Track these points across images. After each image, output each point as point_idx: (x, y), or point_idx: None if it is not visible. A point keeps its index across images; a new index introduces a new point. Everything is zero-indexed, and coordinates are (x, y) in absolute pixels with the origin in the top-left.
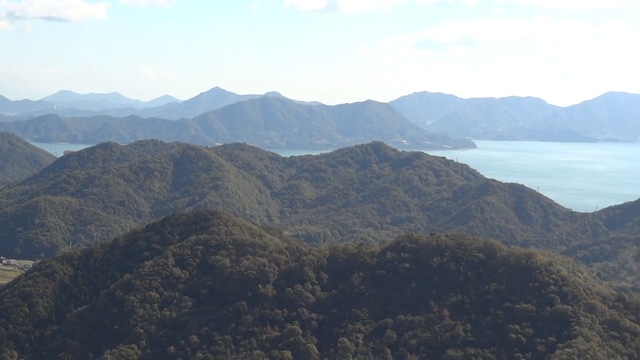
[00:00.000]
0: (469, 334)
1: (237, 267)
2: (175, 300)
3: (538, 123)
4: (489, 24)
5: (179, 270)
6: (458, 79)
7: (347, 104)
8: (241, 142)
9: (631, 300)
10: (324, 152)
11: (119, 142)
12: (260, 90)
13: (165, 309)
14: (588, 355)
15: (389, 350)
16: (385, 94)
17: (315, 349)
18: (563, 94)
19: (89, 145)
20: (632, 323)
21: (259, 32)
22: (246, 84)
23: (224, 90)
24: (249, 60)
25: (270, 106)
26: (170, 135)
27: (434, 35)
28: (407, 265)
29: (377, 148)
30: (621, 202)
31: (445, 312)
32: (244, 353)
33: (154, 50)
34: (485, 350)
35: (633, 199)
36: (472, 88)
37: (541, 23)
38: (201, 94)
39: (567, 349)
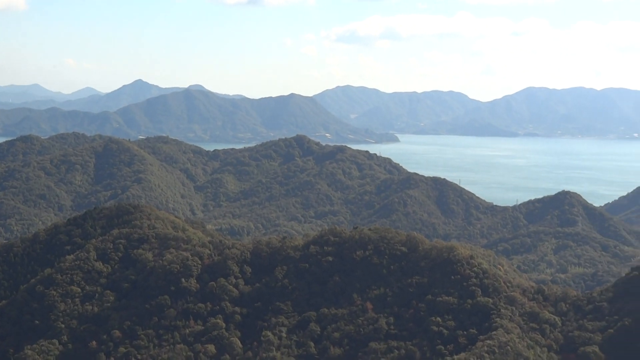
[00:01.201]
0: (392, 327)
1: (160, 261)
2: (97, 295)
3: (460, 117)
4: (412, 19)
5: (101, 264)
6: (381, 74)
7: (271, 97)
8: (164, 135)
9: (550, 293)
10: (247, 145)
11: (39, 135)
12: (184, 83)
13: (87, 303)
14: (508, 347)
15: (312, 344)
16: (309, 88)
17: (239, 342)
18: (484, 88)
19: (9, 138)
20: (551, 315)
21: (182, 24)
22: (169, 76)
23: (146, 82)
24: (173, 52)
25: (194, 99)
26: (92, 128)
27: (358, 29)
28: (330, 258)
29: (300, 142)
30: (541, 196)
31: (368, 305)
32: (167, 347)
33: (76, 42)
34: (407, 342)
35: (552, 193)
36: (395, 82)
37: (463, 19)
38: (124, 86)
39: (488, 341)
